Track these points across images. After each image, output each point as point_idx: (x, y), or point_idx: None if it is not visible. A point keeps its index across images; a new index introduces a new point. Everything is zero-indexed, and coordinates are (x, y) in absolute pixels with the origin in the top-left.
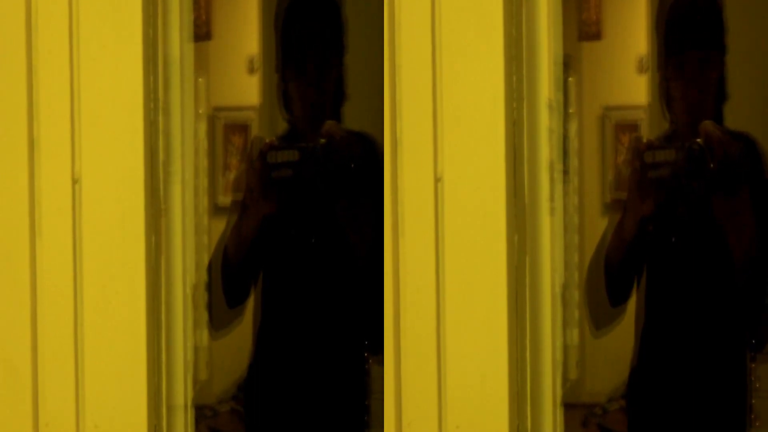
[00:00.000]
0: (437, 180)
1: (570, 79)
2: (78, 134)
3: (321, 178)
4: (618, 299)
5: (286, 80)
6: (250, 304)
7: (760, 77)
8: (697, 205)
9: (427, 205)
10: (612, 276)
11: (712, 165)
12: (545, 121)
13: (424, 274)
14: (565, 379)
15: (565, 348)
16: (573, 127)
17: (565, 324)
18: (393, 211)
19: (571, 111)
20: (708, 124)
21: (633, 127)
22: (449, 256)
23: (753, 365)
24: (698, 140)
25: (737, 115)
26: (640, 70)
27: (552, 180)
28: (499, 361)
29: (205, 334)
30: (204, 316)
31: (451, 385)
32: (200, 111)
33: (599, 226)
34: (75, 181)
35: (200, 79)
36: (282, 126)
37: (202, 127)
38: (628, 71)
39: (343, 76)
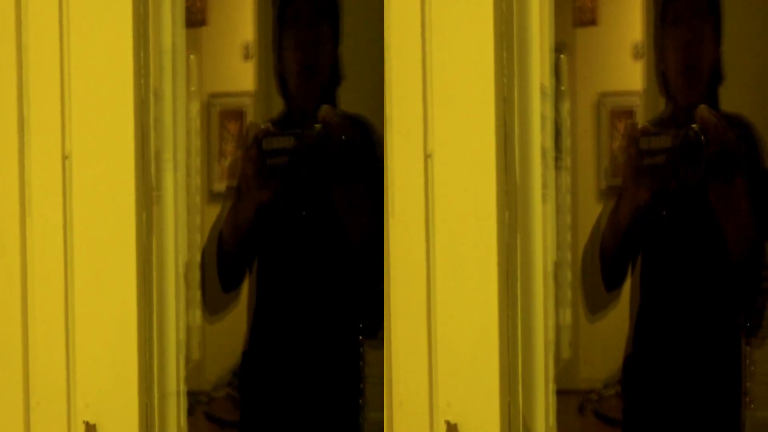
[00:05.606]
0: (427, 156)
1: (561, 56)
2: (68, 111)
3: (316, 165)
4: (613, 284)
5: (282, 62)
6: (245, 288)
7: (755, 58)
8: (693, 191)
9: (417, 182)
10: (607, 261)
11: (707, 151)
12: (537, 100)
13: (414, 250)
14: (557, 358)
15: (558, 327)
16: (565, 107)
17: (558, 303)
18: (383, 186)
19: (563, 89)
20: (703, 109)
21: (628, 113)
22: (439, 232)
23: (748, 349)
24: (694, 126)
25: (732, 97)
26: (636, 56)
27: (545, 165)
28: (490, 339)
29: (197, 314)
30: (197, 295)
31: (441, 363)
32: (192, 89)
33: (594, 211)
34: (65, 158)
35: (192, 57)
36: (277, 111)
37: (195, 106)
38: (624, 57)
39: (339, 58)
